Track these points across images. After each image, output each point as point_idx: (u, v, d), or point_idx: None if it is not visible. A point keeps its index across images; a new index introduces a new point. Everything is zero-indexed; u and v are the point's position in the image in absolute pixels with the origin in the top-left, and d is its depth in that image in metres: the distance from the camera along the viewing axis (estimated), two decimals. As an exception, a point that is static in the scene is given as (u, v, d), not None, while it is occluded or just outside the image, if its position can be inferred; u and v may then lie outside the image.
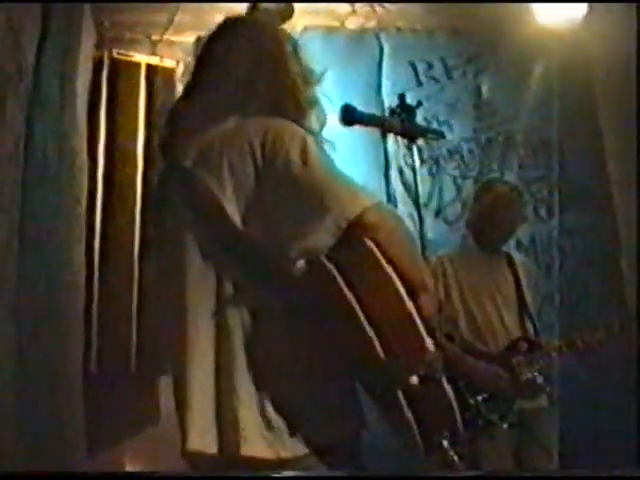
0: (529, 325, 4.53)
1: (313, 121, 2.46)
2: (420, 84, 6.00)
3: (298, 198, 2.20)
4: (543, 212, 6.08)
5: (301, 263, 2.23)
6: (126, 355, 5.13)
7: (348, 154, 5.55)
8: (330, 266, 2.18)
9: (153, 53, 5.52)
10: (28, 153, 3.47)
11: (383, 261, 2.17)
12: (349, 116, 2.42)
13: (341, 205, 2.16)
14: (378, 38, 6.01)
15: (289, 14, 2.60)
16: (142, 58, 5.51)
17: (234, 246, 2.27)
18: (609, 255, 5.96)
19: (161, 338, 2.51)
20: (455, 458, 2.22)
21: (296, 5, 2.59)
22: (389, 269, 2.16)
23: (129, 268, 5.14)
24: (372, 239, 2.17)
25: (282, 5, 2.59)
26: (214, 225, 2.28)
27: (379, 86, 5.90)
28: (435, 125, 5.69)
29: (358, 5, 5.70)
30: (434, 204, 5.90)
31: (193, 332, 2.28)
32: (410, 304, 2.15)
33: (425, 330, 2.14)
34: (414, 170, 2.58)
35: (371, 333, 2.13)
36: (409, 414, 2.15)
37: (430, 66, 6.04)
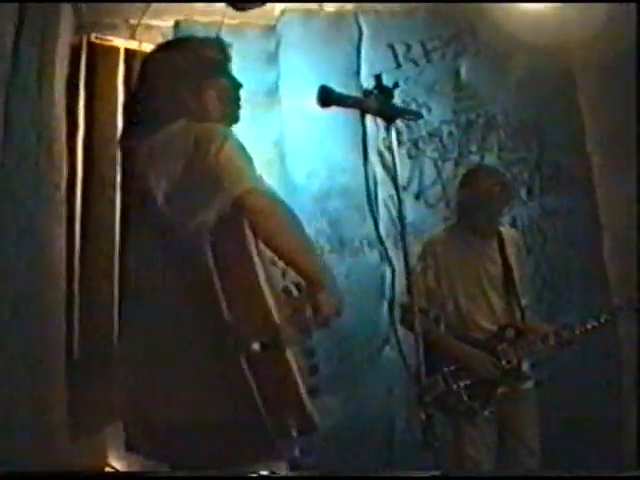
0: (516, 309, 4.53)
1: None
2: (399, 66, 5.99)
3: (203, 179, 2.47)
4: (524, 194, 6.08)
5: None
6: (108, 341, 5.11)
7: (327, 136, 5.60)
8: (205, 239, 2.45)
9: (131, 37, 5.50)
10: (7, 139, 3.46)
11: (250, 238, 2.46)
12: (326, 97, 2.44)
13: (228, 185, 2.42)
14: (357, 21, 6.00)
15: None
16: (120, 42, 5.48)
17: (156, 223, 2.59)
18: (590, 236, 5.98)
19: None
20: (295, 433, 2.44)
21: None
22: (251, 246, 2.46)
23: (110, 253, 5.12)
24: (250, 221, 2.44)
25: None
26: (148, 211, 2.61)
27: (358, 69, 5.89)
28: (414, 107, 5.68)
29: (336, -12, 5.71)
30: (414, 186, 5.90)
31: None
32: (262, 277, 2.42)
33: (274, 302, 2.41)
34: (392, 151, 2.60)
35: (222, 297, 2.38)
36: (251, 381, 2.35)
37: (409, 48, 6.03)
